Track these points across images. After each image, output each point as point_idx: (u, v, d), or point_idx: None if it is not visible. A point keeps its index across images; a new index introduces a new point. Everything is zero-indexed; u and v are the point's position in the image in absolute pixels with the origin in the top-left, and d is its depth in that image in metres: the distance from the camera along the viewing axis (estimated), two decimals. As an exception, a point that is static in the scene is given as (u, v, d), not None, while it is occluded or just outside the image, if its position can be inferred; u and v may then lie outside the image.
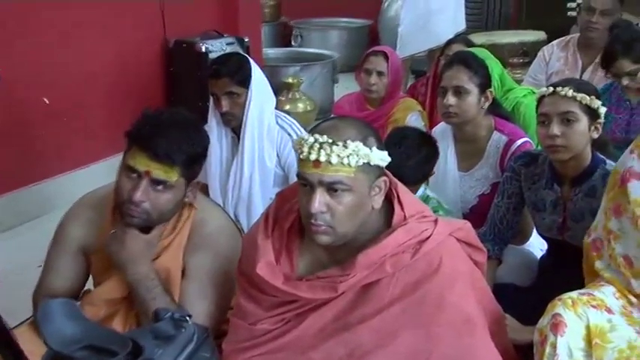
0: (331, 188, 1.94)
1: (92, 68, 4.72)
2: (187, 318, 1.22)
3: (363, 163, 1.94)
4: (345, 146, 1.91)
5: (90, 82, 4.65)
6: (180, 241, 2.38)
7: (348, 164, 1.92)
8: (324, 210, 1.94)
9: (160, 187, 2.24)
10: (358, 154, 1.92)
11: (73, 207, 2.53)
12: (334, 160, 1.90)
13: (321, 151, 1.90)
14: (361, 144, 1.94)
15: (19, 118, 4.36)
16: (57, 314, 1.17)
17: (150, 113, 2.32)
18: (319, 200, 1.93)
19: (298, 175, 2.00)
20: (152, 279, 2.26)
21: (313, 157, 1.91)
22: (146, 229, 2.33)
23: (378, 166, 2.00)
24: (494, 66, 4.01)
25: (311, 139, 1.93)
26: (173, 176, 2.24)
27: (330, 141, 1.91)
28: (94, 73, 4.72)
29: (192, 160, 2.29)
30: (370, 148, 1.96)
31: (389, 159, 2.02)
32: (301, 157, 1.95)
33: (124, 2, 4.87)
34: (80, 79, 4.63)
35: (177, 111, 2.44)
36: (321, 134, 1.94)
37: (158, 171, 2.22)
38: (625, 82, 3.66)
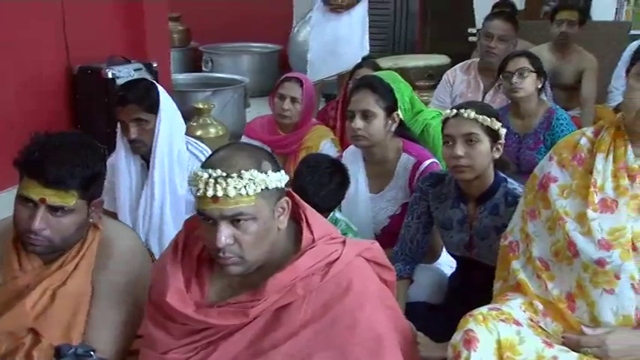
0: (235, 220, 1.92)
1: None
2: (92, 353, 1.18)
3: (262, 190, 1.92)
4: (240, 177, 1.89)
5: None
6: (88, 264, 2.30)
7: (247, 194, 1.90)
8: (231, 242, 1.92)
9: (58, 213, 2.16)
10: (255, 182, 1.91)
11: None
12: (232, 193, 1.88)
13: (217, 186, 1.88)
14: (256, 171, 1.92)
15: None
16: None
17: (38, 138, 2.23)
18: (225, 234, 1.91)
19: (198, 212, 1.97)
20: None
21: (210, 193, 1.88)
22: (51, 255, 2.27)
23: (277, 188, 1.98)
24: (405, 89, 4.09)
25: (205, 175, 1.90)
26: (70, 200, 2.16)
27: (225, 174, 1.89)
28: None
29: (89, 182, 2.21)
30: (266, 173, 1.94)
31: (286, 178, 2.01)
32: (198, 194, 1.92)
33: (23, 28, 4.72)
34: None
35: (68, 132, 2.35)
36: (214, 168, 1.91)
37: (53, 197, 2.14)
38: (513, 78, 3.93)
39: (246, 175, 1.89)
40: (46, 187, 2.13)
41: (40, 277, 2.27)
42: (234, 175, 1.89)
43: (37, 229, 2.14)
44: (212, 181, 1.88)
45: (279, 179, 1.97)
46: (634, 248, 2.11)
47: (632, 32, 6.27)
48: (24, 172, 2.16)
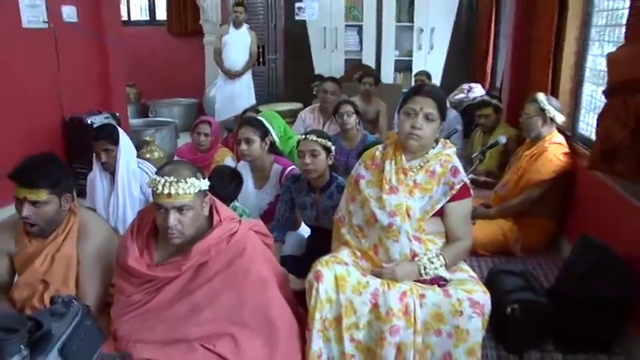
0: (180, 209, 1.91)
1: (13, 139, 4.30)
2: (73, 300, 1.14)
3: (197, 190, 1.93)
4: (186, 182, 1.89)
5: (11, 146, 4.15)
6: (72, 237, 2.26)
7: (189, 193, 1.90)
8: (176, 223, 1.91)
9: (37, 205, 2.13)
10: (194, 185, 1.91)
11: None
12: (180, 192, 1.88)
13: (171, 187, 1.87)
14: (194, 178, 1.92)
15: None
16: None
17: (23, 159, 2.17)
18: (173, 218, 1.91)
19: (156, 204, 1.93)
20: None
21: (166, 191, 1.87)
22: (44, 232, 2.24)
23: (204, 190, 1.98)
24: (280, 122, 4.13)
25: (162, 180, 1.88)
26: (42, 195, 2.12)
27: (176, 180, 1.88)
28: (14, 142, 4.28)
29: (55, 182, 2.16)
30: (199, 180, 1.94)
31: (208, 183, 2.00)
32: (157, 192, 1.89)
33: (33, 90, 4.52)
34: (6, 144, 4.18)
35: (44, 153, 2.28)
36: (169, 176, 1.89)
37: (30, 195, 2.11)
38: (344, 117, 4.05)
39: (189, 180, 1.90)
40: (24, 188, 2.11)
41: (41, 247, 2.23)
42: (182, 180, 1.89)
43: (25, 216, 2.12)
44: (167, 184, 1.87)
45: (206, 184, 1.98)
46: (408, 215, 2.19)
47: (403, 90, 6.54)
48: (13, 181, 2.13)
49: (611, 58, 2.55)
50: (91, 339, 1.19)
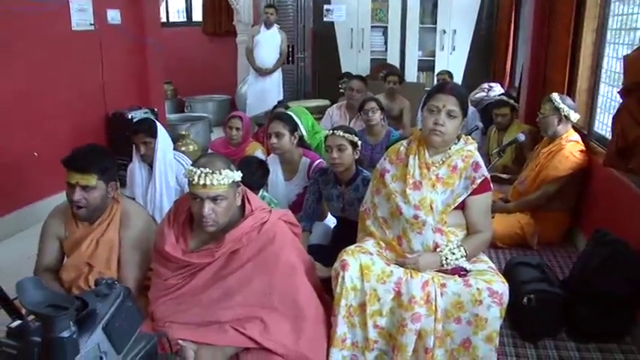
0: (214, 199, 1.90)
1: (63, 132, 4.40)
2: (116, 283, 1.15)
3: (231, 181, 1.91)
4: (220, 173, 1.88)
5: (63, 140, 4.26)
6: (115, 223, 2.29)
7: (223, 184, 1.89)
8: (211, 212, 1.90)
9: (87, 189, 2.16)
10: (228, 177, 1.89)
11: (50, 213, 2.39)
12: (215, 182, 1.87)
13: (207, 178, 1.86)
14: (228, 170, 1.91)
15: (16, 164, 3.98)
16: (29, 287, 1.07)
17: (75, 149, 2.22)
18: (207, 207, 1.89)
19: (191, 193, 1.93)
20: None
21: (202, 182, 1.86)
22: (90, 218, 2.27)
23: (237, 181, 1.97)
24: (308, 118, 4.10)
25: (199, 171, 1.87)
26: (92, 180, 2.15)
27: (211, 171, 1.87)
28: (66, 135, 4.40)
29: (104, 169, 2.20)
30: (233, 172, 1.93)
31: (241, 174, 2.00)
32: (193, 182, 1.89)
33: (80, 90, 4.61)
34: (56, 138, 4.27)
35: (93, 144, 2.35)
36: (204, 167, 1.88)
37: (82, 180, 2.14)
38: (369, 114, 4.02)
39: (223, 172, 1.88)
40: (76, 173, 2.14)
41: (87, 232, 2.27)
42: (217, 172, 1.87)
43: (76, 200, 2.15)
44: (203, 174, 1.86)
45: (239, 176, 1.96)
46: (431, 209, 2.16)
47: (426, 88, 6.45)
48: (66, 167, 2.15)
49: (627, 60, 2.49)
50: (131, 319, 1.19)
